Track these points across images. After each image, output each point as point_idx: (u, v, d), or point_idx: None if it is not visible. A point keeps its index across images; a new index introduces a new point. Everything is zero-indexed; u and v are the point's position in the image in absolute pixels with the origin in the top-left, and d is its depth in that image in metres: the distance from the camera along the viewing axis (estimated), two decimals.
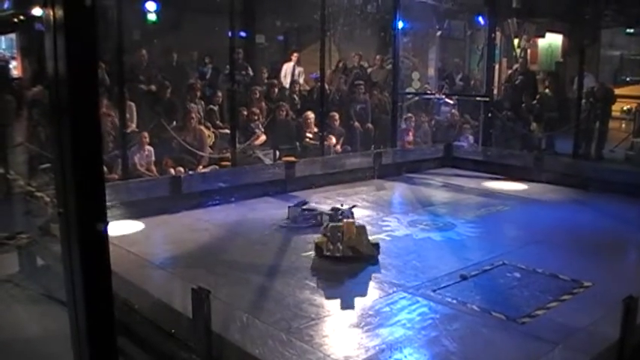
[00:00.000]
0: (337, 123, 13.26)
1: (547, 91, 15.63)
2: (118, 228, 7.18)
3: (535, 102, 15.09)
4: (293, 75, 15.03)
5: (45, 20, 2.04)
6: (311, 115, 12.91)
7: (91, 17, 2.00)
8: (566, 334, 4.51)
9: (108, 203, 6.66)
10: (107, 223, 2.06)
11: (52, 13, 1.97)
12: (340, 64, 16.13)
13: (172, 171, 10.77)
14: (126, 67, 10.80)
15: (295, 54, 15.41)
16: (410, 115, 14.65)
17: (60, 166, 2.06)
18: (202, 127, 11.96)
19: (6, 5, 11.24)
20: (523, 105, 15.12)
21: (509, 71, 17.46)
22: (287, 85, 14.76)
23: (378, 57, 16.41)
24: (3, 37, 11.80)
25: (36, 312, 5.80)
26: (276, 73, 15.18)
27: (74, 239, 2.03)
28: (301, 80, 15.08)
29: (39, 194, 6.63)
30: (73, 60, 2.00)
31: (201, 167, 11.39)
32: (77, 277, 2.06)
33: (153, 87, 12.19)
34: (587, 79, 14.98)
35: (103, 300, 2.16)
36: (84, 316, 2.12)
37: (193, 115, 11.70)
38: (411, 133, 14.39)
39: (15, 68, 11.12)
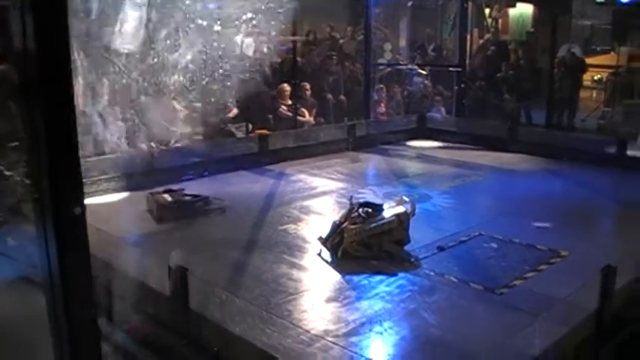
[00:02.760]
0: (309, 93, 13.15)
1: (521, 61, 15.64)
2: (89, 205, 7.09)
3: (510, 72, 15.10)
4: (241, 46, 14.81)
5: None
6: (287, 87, 12.80)
7: None
8: (544, 305, 4.53)
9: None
10: (84, 207, 2.00)
11: None
12: (310, 36, 15.98)
13: (144, 146, 10.63)
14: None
15: (242, 25, 15.16)
16: (381, 86, 14.56)
17: (33, 149, 1.99)
18: (174, 102, 11.80)
19: None
20: (497, 75, 15.13)
21: (481, 41, 17.45)
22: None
23: (349, 28, 16.29)
24: None
25: (9, 294, 5.70)
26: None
27: (50, 224, 1.97)
28: (250, 52, 14.85)
29: (8, 173, 6.49)
30: (43, 38, 1.92)
31: (173, 142, 11.25)
32: (54, 263, 2.00)
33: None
34: (575, 49, 15.16)
35: (82, 285, 2.10)
36: (62, 302, 2.06)
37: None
38: (383, 105, 14.33)
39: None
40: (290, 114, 12.54)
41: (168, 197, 6.95)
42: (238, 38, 14.40)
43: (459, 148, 10.97)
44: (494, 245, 6.02)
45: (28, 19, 1.90)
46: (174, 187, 7.41)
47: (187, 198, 7.06)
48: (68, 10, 1.97)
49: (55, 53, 1.95)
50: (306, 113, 12.94)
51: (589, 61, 16.97)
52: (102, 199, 7.43)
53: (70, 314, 2.08)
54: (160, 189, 7.28)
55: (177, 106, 11.67)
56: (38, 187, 1.98)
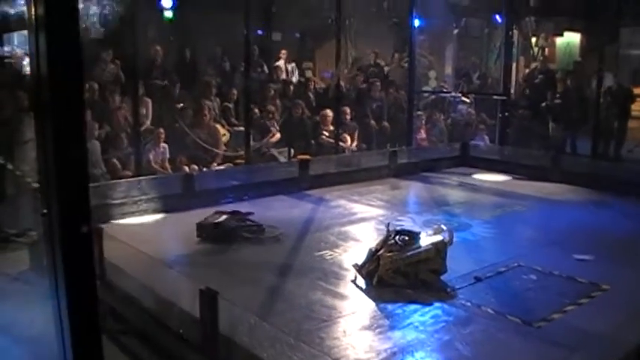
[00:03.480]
0: (348, 117, 13.14)
1: (568, 90, 15.44)
2: (130, 225, 7.16)
3: (557, 100, 14.91)
4: (287, 72, 14.93)
5: (27, 18, 1.98)
6: (329, 112, 12.83)
7: (73, 15, 1.93)
8: (583, 339, 4.42)
9: (120, 200, 6.65)
10: (91, 225, 1.99)
11: (33, 10, 1.91)
12: (359, 62, 16.07)
13: (186, 168, 10.73)
14: (140, 64, 10.76)
15: (284, 51, 15.30)
16: (420, 112, 14.49)
17: (44, 166, 2.00)
18: (217, 125, 11.92)
19: (21, 1, 11.26)
20: (543, 104, 14.95)
21: (527, 70, 17.29)
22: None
23: (396, 55, 16.29)
24: (15, 34, 11.80)
25: (45, 310, 5.74)
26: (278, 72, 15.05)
27: (57, 240, 1.97)
28: (294, 78, 14.96)
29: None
30: (55, 59, 1.94)
31: (215, 165, 11.34)
32: (61, 279, 2.00)
33: (167, 82, 12.14)
34: (606, 78, 14.81)
35: (87, 302, 2.10)
36: (67, 319, 2.06)
37: (206, 113, 11.65)
38: (423, 131, 14.25)
39: (28, 65, 11.13)
40: (332, 140, 12.55)
41: (220, 218, 6.96)
42: (281, 63, 14.55)
43: (502, 177, 10.84)
44: (534, 277, 5.89)
45: (42, 40, 1.92)
46: (241, 209, 7.44)
47: (237, 223, 7.00)
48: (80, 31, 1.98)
49: (67, 77, 1.96)
50: (348, 139, 12.93)
51: (638, 91, 16.68)
52: (141, 220, 7.48)
53: (75, 330, 2.07)
54: (227, 209, 7.34)
55: (220, 129, 11.79)
56: (47, 203, 1.99)
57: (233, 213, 7.18)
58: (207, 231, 6.86)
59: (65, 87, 1.95)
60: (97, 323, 2.14)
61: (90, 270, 2.08)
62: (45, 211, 2.01)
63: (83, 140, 2.04)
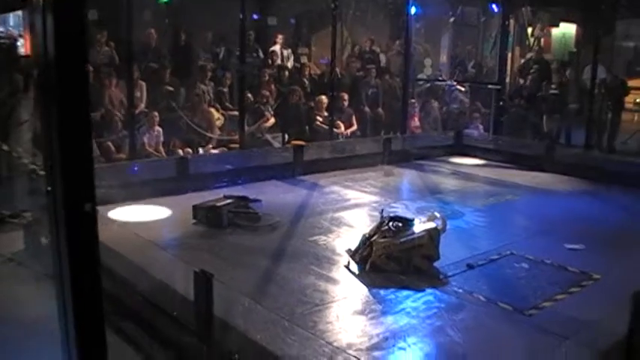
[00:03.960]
0: (346, 104, 13.13)
1: (563, 80, 15.46)
2: (125, 208, 7.17)
3: (554, 91, 14.91)
4: (282, 57, 14.88)
5: None
6: (324, 99, 12.81)
7: None
8: (574, 328, 4.46)
9: (112, 183, 6.64)
10: (95, 203, 2.01)
11: None
12: (356, 49, 16.02)
13: (180, 152, 10.73)
14: (135, 47, 10.73)
15: (280, 35, 15.22)
16: (413, 100, 14.48)
17: (48, 143, 2.01)
18: (211, 109, 11.90)
19: None
20: (538, 94, 14.97)
21: (522, 60, 17.29)
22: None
23: (397, 42, 16.22)
24: (11, 15, 11.74)
25: (39, 291, 5.76)
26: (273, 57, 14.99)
27: (61, 218, 1.99)
28: (289, 63, 14.91)
29: (42, 172, 6.57)
30: (61, 39, 1.95)
31: (209, 148, 11.34)
32: (64, 257, 2.02)
33: (165, 63, 12.09)
34: (598, 69, 14.83)
35: (91, 281, 2.12)
36: (70, 298, 2.08)
37: (200, 96, 11.63)
38: (416, 118, 14.25)
39: (23, 46, 11.08)
40: (325, 126, 12.54)
41: (220, 203, 6.98)
42: (277, 48, 14.50)
43: (495, 165, 10.88)
44: (526, 265, 5.93)
45: (49, 20, 1.93)
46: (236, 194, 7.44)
47: (235, 209, 7.00)
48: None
49: (72, 56, 1.98)
50: (342, 125, 12.92)
51: (633, 83, 16.70)
52: (136, 203, 7.48)
53: (78, 310, 2.10)
54: (235, 194, 7.38)
55: (214, 113, 11.77)
56: (51, 180, 2.01)
57: (241, 198, 7.20)
58: (202, 214, 6.89)
59: (71, 66, 1.96)
60: (101, 302, 2.16)
61: (94, 248, 2.09)
62: (49, 188, 2.02)
63: (88, 118, 2.05)
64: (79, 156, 1.99)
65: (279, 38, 15.01)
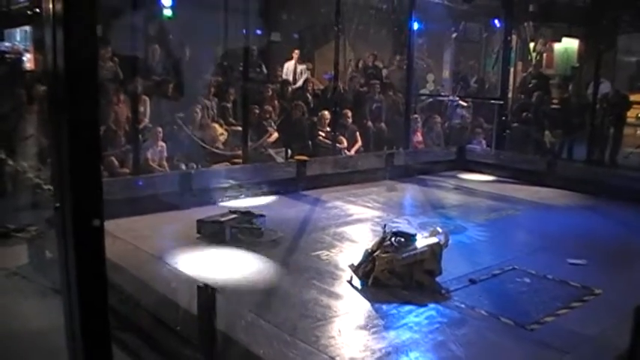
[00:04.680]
0: (349, 121, 13.17)
1: (566, 95, 15.49)
2: (128, 222, 7.18)
3: (554, 106, 14.95)
4: (295, 73, 14.93)
5: (44, 12, 2.01)
6: (327, 114, 12.85)
7: (91, 10, 1.97)
8: (575, 342, 4.47)
9: (116, 197, 6.66)
10: (103, 219, 2.04)
11: (51, 5, 1.95)
12: (360, 64, 16.08)
13: (184, 167, 10.76)
14: (139, 62, 10.79)
15: (296, 51, 15.28)
16: (416, 115, 14.52)
17: (57, 159, 2.04)
18: (215, 124, 11.94)
19: None
20: (539, 109, 14.99)
21: (524, 74, 17.34)
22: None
23: (398, 57, 16.29)
24: (17, 30, 11.82)
25: (44, 305, 5.78)
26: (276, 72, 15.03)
27: (70, 234, 2.02)
28: (302, 79, 14.95)
29: (47, 187, 6.62)
30: (71, 54, 1.97)
31: (212, 164, 11.36)
32: (72, 272, 2.05)
33: (168, 78, 12.13)
34: (602, 85, 14.84)
35: (98, 295, 2.15)
36: (78, 311, 2.11)
37: (200, 112, 11.68)
38: (419, 133, 14.29)
39: (29, 61, 11.15)
40: (328, 141, 12.57)
41: (224, 217, 7.03)
42: (292, 63, 14.56)
43: (497, 180, 10.91)
44: (527, 280, 5.95)
45: (59, 34, 1.95)
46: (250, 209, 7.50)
47: (238, 224, 7.02)
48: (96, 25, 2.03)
49: (82, 71, 2.00)
50: (344, 141, 12.94)
51: (634, 98, 16.72)
52: (139, 217, 7.50)
53: (85, 322, 2.12)
54: (239, 209, 7.42)
55: (218, 128, 11.81)
56: (61, 197, 2.03)
57: (245, 213, 7.23)
58: (206, 228, 6.92)
59: (81, 81, 1.99)
60: (107, 315, 2.19)
61: (101, 263, 2.12)
62: (58, 204, 2.05)
63: (97, 134, 2.08)
64: (88, 172, 2.02)
65: (296, 53, 15.07)
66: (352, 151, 12.95)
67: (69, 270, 2.06)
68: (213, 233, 6.85)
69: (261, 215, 7.27)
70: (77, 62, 1.98)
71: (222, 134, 11.99)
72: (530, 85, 15.64)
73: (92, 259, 2.08)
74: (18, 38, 12.17)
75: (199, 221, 7.01)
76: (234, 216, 7.06)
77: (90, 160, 2.02)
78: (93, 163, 2.04)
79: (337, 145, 12.62)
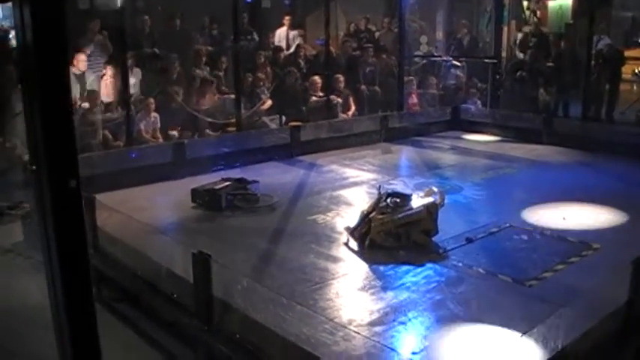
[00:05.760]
0: (342, 85, 13.05)
1: (560, 52, 15.36)
2: (123, 193, 7.15)
3: (549, 64, 14.83)
4: (287, 39, 14.75)
5: None
6: (318, 79, 12.74)
7: None
8: (573, 297, 4.45)
9: (110, 170, 6.63)
10: (79, 179, 2.01)
11: None
12: (351, 27, 15.92)
13: (176, 134, 10.69)
14: (129, 34, 10.67)
15: (288, 17, 15.10)
16: (411, 78, 14.40)
17: (31, 123, 2.01)
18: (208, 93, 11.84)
19: None
20: (533, 67, 14.88)
21: (519, 34, 17.20)
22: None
23: (386, 20, 16.16)
24: (1, 6, 11.68)
25: (39, 281, 5.76)
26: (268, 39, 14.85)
27: (47, 196, 1.99)
28: (294, 46, 14.78)
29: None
30: (38, 28, 1.95)
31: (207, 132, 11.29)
32: (51, 235, 2.02)
33: (157, 50, 12.01)
34: (602, 41, 14.73)
35: (78, 257, 2.13)
36: (59, 275, 2.09)
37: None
38: (414, 95, 14.19)
39: (14, 38, 11.01)
40: (319, 101, 12.41)
41: (218, 186, 6.99)
42: (283, 30, 14.41)
43: (493, 140, 10.88)
44: (525, 237, 5.94)
45: (26, 11, 1.93)
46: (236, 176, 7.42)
47: (233, 191, 6.98)
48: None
49: (51, 41, 1.99)
50: (339, 101, 12.81)
51: (629, 53, 16.61)
52: (134, 189, 7.47)
53: (67, 285, 2.10)
54: (233, 176, 7.37)
55: (211, 96, 11.72)
56: (36, 159, 2.01)
57: (238, 180, 7.19)
58: (200, 197, 6.89)
59: (50, 52, 1.97)
60: (89, 276, 2.17)
61: (80, 224, 2.10)
62: (34, 167, 2.02)
63: (68, 96, 2.05)
64: (62, 134, 1.99)
65: (286, 19, 14.89)
66: (348, 114, 12.84)
67: (47, 232, 2.03)
68: (208, 201, 6.81)
69: (255, 181, 7.24)
70: (45, 36, 1.97)
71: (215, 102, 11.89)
72: (530, 44, 15.51)
73: (70, 219, 2.05)
74: (1, 15, 12.02)
75: (193, 190, 6.97)
76: (227, 183, 7.02)
77: (63, 121, 1.99)
78: (66, 125, 2.00)
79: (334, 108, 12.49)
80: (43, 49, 1.97)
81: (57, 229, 2.02)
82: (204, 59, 12.37)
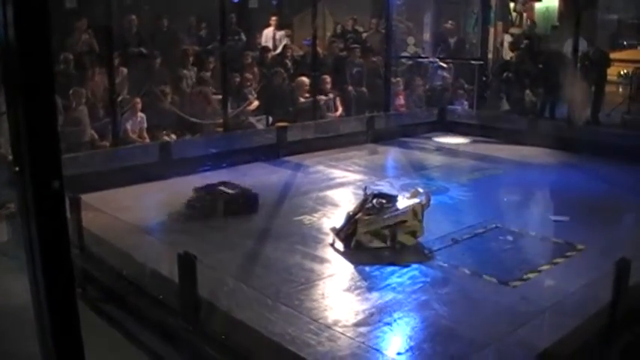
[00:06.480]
0: (328, 87, 13.05)
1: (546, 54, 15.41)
2: (109, 194, 7.13)
3: (540, 65, 14.87)
4: (274, 40, 14.74)
5: None
6: (305, 79, 12.73)
7: None
8: (557, 298, 4.48)
9: (96, 170, 6.59)
10: (62, 180, 2.00)
11: None
12: (338, 28, 15.92)
13: (165, 137, 10.65)
14: (116, 34, 10.63)
15: (274, 17, 15.08)
16: (398, 79, 14.43)
17: (14, 123, 2.01)
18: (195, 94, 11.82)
19: None
20: (519, 69, 14.93)
21: (506, 35, 17.25)
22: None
23: (373, 21, 16.19)
24: None
25: (26, 281, 5.73)
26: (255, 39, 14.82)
27: (29, 196, 1.98)
28: (281, 46, 14.77)
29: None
30: (21, 26, 1.95)
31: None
32: (34, 236, 2.02)
33: (143, 49, 11.97)
34: (583, 43, 14.77)
35: (61, 259, 2.12)
36: (41, 276, 2.08)
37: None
38: (401, 97, 14.21)
39: None
40: (307, 103, 12.40)
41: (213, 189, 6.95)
42: (270, 30, 14.40)
43: (479, 141, 10.91)
44: (510, 238, 5.96)
45: (9, 9, 1.93)
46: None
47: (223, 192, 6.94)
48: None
49: (34, 39, 1.98)
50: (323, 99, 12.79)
51: (616, 55, 16.70)
52: (120, 189, 7.44)
53: (50, 287, 2.10)
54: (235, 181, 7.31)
55: (198, 97, 11.69)
56: (19, 160, 2.00)
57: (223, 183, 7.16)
58: (197, 199, 6.83)
59: (33, 52, 1.96)
60: (72, 277, 2.16)
61: (63, 225, 2.09)
62: (17, 168, 2.01)
63: (52, 96, 2.04)
64: (45, 134, 1.98)
65: (273, 20, 14.86)
66: (336, 114, 12.84)
67: (30, 234, 2.03)
68: (196, 206, 6.78)
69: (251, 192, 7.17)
70: (29, 34, 1.96)
71: (202, 102, 11.87)
72: (522, 46, 15.55)
73: (53, 220, 2.05)
74: None
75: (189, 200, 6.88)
76: (222, 187, 6.97)
77: (46, 121, 1.99)
78: (49, 125, 2.00)
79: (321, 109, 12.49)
80: (27, 47, 1.97)
81: (39, 230, 2.01)
82: (191, 59, 12.34)
